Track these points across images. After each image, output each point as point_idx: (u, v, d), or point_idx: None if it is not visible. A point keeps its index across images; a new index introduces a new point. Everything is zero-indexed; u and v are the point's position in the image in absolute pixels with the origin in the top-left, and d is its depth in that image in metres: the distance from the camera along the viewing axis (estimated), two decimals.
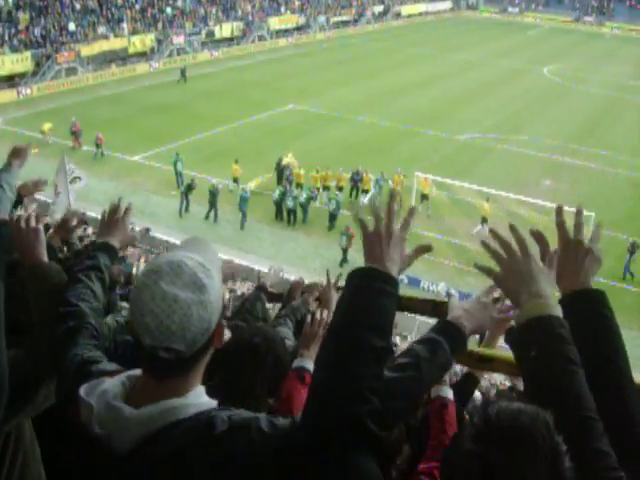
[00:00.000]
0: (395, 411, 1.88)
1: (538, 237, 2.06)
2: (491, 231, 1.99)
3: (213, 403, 1.82)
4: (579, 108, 46.21)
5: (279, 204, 27.08)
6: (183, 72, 48.08)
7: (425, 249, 1.97)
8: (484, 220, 25.86)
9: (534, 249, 2.00)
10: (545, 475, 1.40)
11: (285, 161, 29.48)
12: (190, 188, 27.10)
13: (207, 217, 26.96)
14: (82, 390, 1.81)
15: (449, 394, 3.16)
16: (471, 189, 28.37)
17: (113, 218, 2.85)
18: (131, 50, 51.81)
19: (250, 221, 26.75)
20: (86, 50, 47.99)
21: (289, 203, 26.71)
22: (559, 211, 2.07)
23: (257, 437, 1.68)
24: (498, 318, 2.23)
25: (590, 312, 1.93)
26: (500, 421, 1.48)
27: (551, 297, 1.83)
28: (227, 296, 14.06)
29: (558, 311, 1.79)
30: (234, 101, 42.82)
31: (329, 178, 28.63)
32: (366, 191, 28.61)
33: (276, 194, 27.16)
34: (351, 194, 28.67)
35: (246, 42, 61.57)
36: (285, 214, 27.02)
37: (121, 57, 51.14)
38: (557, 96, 49.51)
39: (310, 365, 3.16)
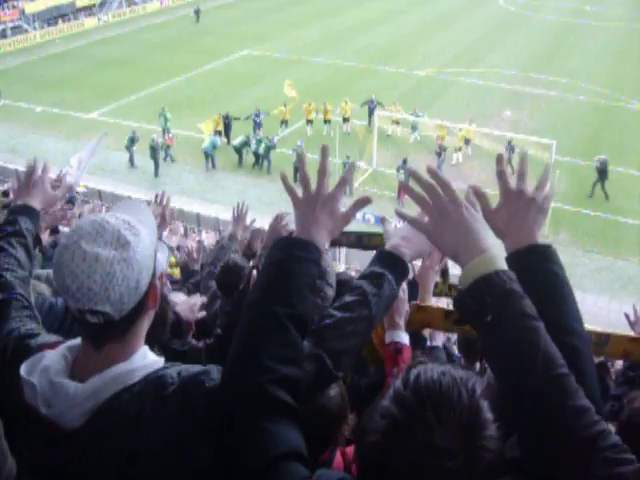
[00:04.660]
0: (348, 350, 1.85)
1: (476, 191, 1.81)
2: (411, 172, 1.81)
3: (160, 362, 1.79)
4: (536, 36, 46.00)
5: (239, 150, 26.85)
6: (197, 12, 49.66)
7: (363, 202, 1.91)
8: (467, 142, 26.59)
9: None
10: (457, 441, 1.30)
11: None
12: (132, 141, 26.63)
13: (157, 174, 26.51)
14: (23, 369, 1.73)
15: (404, 339, 3.08)
16: (432, 123, 28.27)
17: (30, 179, 2.71)
18: (78, 4, 50.39)
19: (212, 171, 26.52)
20: (30, 7, 46.78)
21: (253, 147, 26.47)
22: (499, 160, 1.88)
23: (209, 389, 1.67)
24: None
25: (538, 270, 1.76)
26: (418, 382, 1.39)
27: (492, 247, 1.65)
28: (194, 246, 13.99)
29: (503, 263, 1.63)
30: (188, 50, 42.03)
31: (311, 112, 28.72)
32: (328, 121, 28.82)
33: (237, 141, 26.89)
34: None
35: None
36: (254, 158, 26.75)
37: (67, 12, 49.72)
38: (513, 25, 49.20)
39: (405, 338, 3.07)
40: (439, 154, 25.61)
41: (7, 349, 1.95)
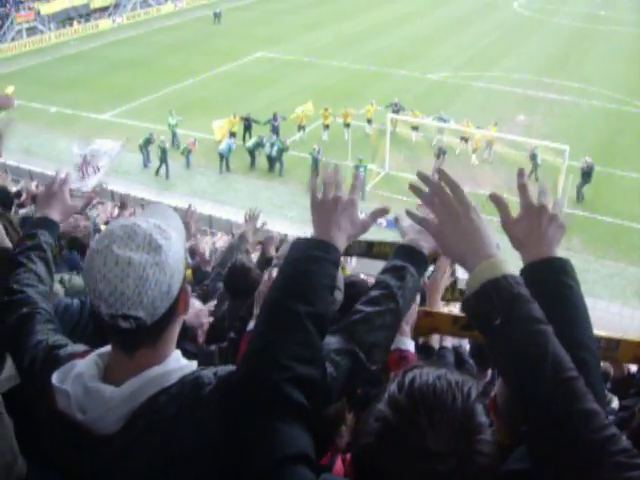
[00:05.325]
0: (379, 343, 1.90)
1: (496, 200, 1.83)
2: (419, 174, 1.82)
3: (193, 365, 1.78)
4: (550, 41, 45.83)
5: (252, 152, 26.81)
6: (217, 15, 50.27)
7: (381, 212, 1.99)
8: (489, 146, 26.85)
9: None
10: (450, 445, 1.31)
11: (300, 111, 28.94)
12: (148, 142, 26.72)
13: (157, 173, 26.54)
14: (55, 378, 1.72)
15: (409, 346, 3.08)
16: (449, 127, 28.24)
17: (50, 190, 2.67)
18: (93, 5, 50.61)
19: (225, 173, 26.57)
20: (46, 8, 46.94)
21: (266, 150, 26.45)
22: (521, 174, 1.90)
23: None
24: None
25: (553, 282, 1.78)
26: (412, 386, 1.40)
27: (499, 251, 1.66)
28: (207, 250, 14.02)
29: (510, 267, 1.63)
30: (202, 52, 42.13)
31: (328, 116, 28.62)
32: (348, 125, 28.71)
33: (250, 143, 26.92)
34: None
35: None
36: (267, 161, 26.73)
37: (83, 13, 49.95)
38: (528, 30, 49.03)
39: (410, 345, 3.09)
40: (438, 156, 25.48)
41: (36, 361, 1.92)
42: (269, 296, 1.76)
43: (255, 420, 1.54)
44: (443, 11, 54.20)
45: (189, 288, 1.78)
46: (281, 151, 26.24)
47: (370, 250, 3.95)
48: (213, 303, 4.45)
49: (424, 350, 3.33)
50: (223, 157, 26.52)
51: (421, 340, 3.51)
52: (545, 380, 1.47)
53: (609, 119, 32.14)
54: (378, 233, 4.42)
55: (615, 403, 4.90)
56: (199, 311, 4.08)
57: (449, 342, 3.84)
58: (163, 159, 26.19)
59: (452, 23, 50.08)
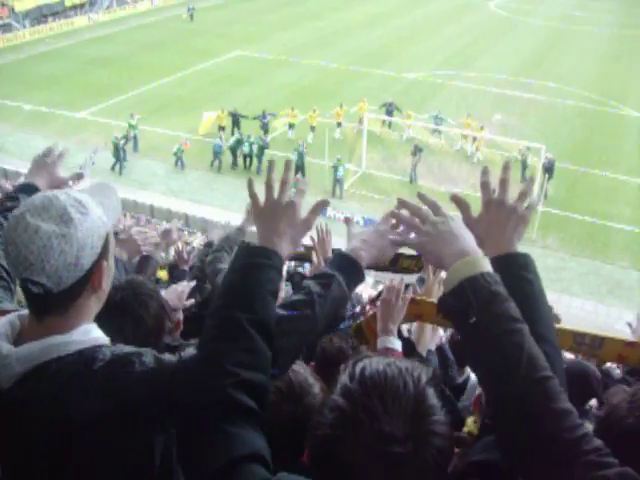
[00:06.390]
0: (285, 349, 1.88)
1: (457, 201, 1.90)
2: (400, 201, 1.89)
3: (102, 340, 1.83)
4: (526, 41, 46.17)
5: (234, 151, 26.76)
6: (191, 10, 50.50)
7: (321, 205, 2.01)
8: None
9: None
10: (405, 428, 1.32)
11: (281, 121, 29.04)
12: (126, 140, 26.68)
13: (113, 169, 26.33)
14: None
15: (396, 345, 3.08)
16: (425, 127, 28.38)
17: (44, 160, 2.81)
18: (68, 3, 50.18)
19: (202, 171, 26.46)
20: (20, 5, 46.41)
21: (245, 149, 26.42)
22: (484, 172, 1.93)
23: (138, 370, 1.70)
24: (393, 240, 2.08)
25: (514, 277, 1.78)
26: (363, 374, 1.41)
27: (478, 250, 1.70)
28: (183, 247, 13.96)
29: (488, 265, 1.65)
30: (179, 50, 41.92)
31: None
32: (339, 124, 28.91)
33: (231, 141, 26.85)
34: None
35: None
36: (242, 160, 26.76)
37: (57, 11, 49.50)
38: (504, 30, 49.36)
39: (397, 344, 3.09)
40: (414, 153, 25.62)
41: None
42: (214, 305, 1.79)
43: (206, 424, 1.57)
44: (420, 11, 54.31)
45: (106, 265, 1.82)
46: (262, 149, 26.17)
47: (393, 264, 3.91)
48: (192, 283, 4.37)
49: (408, 348, 3.34)
50: (217, 154, 26.58)
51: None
52: (520, 379, 1.48)
53: (584, 118, 32.47)
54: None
55: (593, 401, 4.92)
56: (180, 292, 4.04)
57: (433, 345, 3.84)
58: (116, 156, 26.07)
59: (429, 23, 50.25)
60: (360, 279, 2.08)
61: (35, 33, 45.95)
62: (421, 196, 1.88)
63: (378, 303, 3.38)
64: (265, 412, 1.65)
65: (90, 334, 1.81)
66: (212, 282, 4.82)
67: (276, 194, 1.96)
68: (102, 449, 1.68)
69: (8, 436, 1.73)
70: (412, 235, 1.87)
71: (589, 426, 2.86)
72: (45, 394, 1.68)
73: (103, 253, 1.78)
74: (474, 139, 27.53)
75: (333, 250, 3.90)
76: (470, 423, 2.87)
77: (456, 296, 1.60)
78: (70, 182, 2.96)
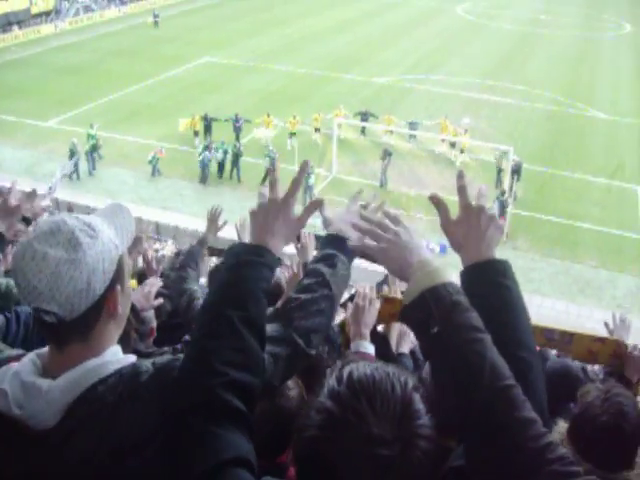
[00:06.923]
0: (316, 329, 1.99)
1: (436, 202, 1.89)
2: (363, 217, 1.92)
3: (132, 358, 1.78)
4: (494, 45, 46.64)
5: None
6: (156, 17, 50.33)
7: (316, 205, 2.02)
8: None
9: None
10: (393, 430, 1.35)
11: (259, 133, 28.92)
12: (94, 148, 26.38)
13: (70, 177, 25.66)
14: None
15: (369, 349, 3.10)
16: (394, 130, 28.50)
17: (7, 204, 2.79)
18: (34, 10, 49.71)
19: (173, 179, 26.32)
20: None
21: (218, 156, 26.28)
22: (460, 176, 1.93)
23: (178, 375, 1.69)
24: (353, 247, 2.14)
25: (492, 284, 1.80)
26: (351, 377, 1.44)
27: (435, 260, 1.71)
28: (153, 255, 13.83)
29: (449, 275, 1.66)
30: (147, 58, 41.69)
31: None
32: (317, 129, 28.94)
33: (199, 149, 26.60)
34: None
35: None
36: (217, 167, 26.55)
37: (23, 19, 48.97)
38: (471, 34, 49.79)
39: (370, 348, 3.12)
40: (383, 157, 25.73)
41: None
42: (205, 303, 1.78)
43: (193, 425, 1.55)
44: (387, 17, 54.55)
45: (121, 289, 1.75)
46: (237, 155, 26.05)
47: None
48: (159, 282, 4.31)
49: (382, 351, 3.35)
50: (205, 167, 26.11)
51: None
52: (483, 388, 1.48)
53: (552, 121, 32.86)
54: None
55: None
56: (147, 293, 3.97)
57: (406, 348, 3.87)
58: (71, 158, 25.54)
59: (396, 28, 50.49)
60: (353, 255, 2.15)
61: (1, 41, 45.44)
62: (381, 208, 1.98)
63: (350, 305, 3.41)
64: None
65: (120, 354, 1.77)
66: (177, 303, 4.72)
67: (271, 193, 1.96)
68: (158, 464, 1.61)
69: (63, 476, 1.62)
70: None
71: (564, 425, 2.90)
72: (98, 419, 1.62)
73: (116, 277, 1.72)
74: (453, 144, 27.72)
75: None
76: None
77: (418, 307, 1.61)
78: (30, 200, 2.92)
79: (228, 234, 15.13)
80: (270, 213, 1.91)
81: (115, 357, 1.73)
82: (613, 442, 2.68)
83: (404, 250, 1.75)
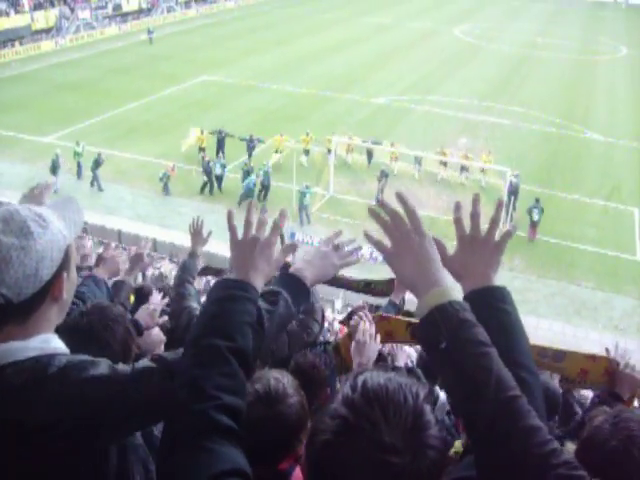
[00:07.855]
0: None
1: (434, 239, 1.86)
2: (380, 203, 1.90)
3: (61, 350, 1.89)
4: (491, 66, 46.98)
5: (209, 174, 26.54)
6: (150, 33, 50.89)
7: (291, 248, 2.17)
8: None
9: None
10: (404, 439, 1.38)
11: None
12: (97, 164, 26.39)
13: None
14: None
15: None
16: (393, 151, 28.57)
17: (33, 193, 3.07)
18: (34, 27, 49.95)
19: (171, 197, 26.34)
20: None
21: (218, 171, 26.35)
22: (457, 207, 1.98)
23: (90, 376, 1.79)
24: (340, 264, 2.25)
25: (492, 309, 1.87)
26: (365, 386, 1.47)
27: (446, 278, 1.76)
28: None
29: (457, 294, 1.73)
30: (145, 75, 41.88)
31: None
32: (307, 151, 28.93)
33: (217, 168, 26.53)
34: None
35: (155, 14, 60.34)
36: (216, 181, 26.56)
37: (24, 35, 49.18)
38: (469, 55, 50.13)
39: None
40: (380, 179, 25.78)
41: None
42: (192, 334, 1.82)
43: (187, 441, 1.58)
44: (385, 37, 55.01)
45: (67, 276, 1.88)
46: (247, 173, 25.82)
47: (368, 288, 4.16)
48: (165, 300, 4.33)
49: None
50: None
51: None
52: (489, 400, 1.54)
53: (548, 142, 33.04)
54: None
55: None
56: (152, 311, 4.01)
57: (402, 361, 3.89)
58: (54, 172, 25.79)
59: (394, 49, 50.86)
60: (305, 296, 2.17)
61: (1, 57, 45.62)
62: (401, 198, 1.82)
63: (352, 322, 3.43)
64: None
65: (49, 343, 1.86)
66: (177, 321, 4.72)
67: (255, 231, 2.00)
68: (52, 454, 1.73)
69: None
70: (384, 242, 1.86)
71: (572, 447, 2.89)
72: (2, 398, 1.73)
73: (63, 265, 1.85)
74: (463, 167, 27.66)
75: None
76: (458, 444, 2.92)
77: (427, 323, 1.67)
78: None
79: (220, 250, 14.98)
80: (255, 250, 1.96)
81: (42, 344, 1.83)
82: (622, 467, 2.67)
83: (419, 264, 1.76)
